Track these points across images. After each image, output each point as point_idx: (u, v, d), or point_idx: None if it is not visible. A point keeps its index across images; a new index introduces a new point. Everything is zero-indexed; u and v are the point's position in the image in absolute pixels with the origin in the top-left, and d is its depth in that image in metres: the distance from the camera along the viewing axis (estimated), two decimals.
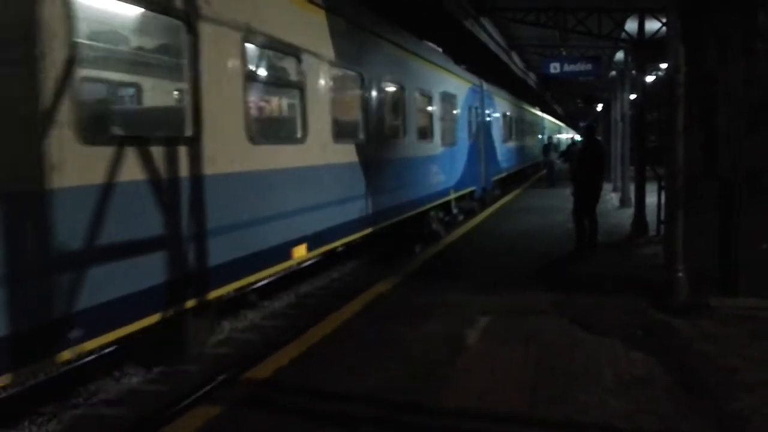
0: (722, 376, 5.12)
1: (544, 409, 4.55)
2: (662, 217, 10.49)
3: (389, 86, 10.93)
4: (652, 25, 13.38)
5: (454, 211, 15.83)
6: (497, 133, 22.24)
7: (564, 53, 22.55)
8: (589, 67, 19.51)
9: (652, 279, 8.16)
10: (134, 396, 6.47)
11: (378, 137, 10.30)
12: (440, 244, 12.24)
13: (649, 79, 17.02)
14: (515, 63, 25.85)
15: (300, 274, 11.12)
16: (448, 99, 14.77)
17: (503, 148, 23.73)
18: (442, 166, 13.91)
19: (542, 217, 15.63)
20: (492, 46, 20.31)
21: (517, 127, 28.42)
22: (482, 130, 19.04)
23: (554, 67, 19.85)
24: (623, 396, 4.74)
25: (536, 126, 39.18)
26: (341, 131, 8.74)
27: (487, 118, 20.05)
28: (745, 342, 5.93)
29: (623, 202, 17.18)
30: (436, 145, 13.51)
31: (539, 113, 41.69)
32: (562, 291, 8.00)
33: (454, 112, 15.64)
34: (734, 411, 4.51)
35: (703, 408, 4.55)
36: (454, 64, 16.51)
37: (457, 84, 16.09)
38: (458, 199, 16.02)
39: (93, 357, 6.89)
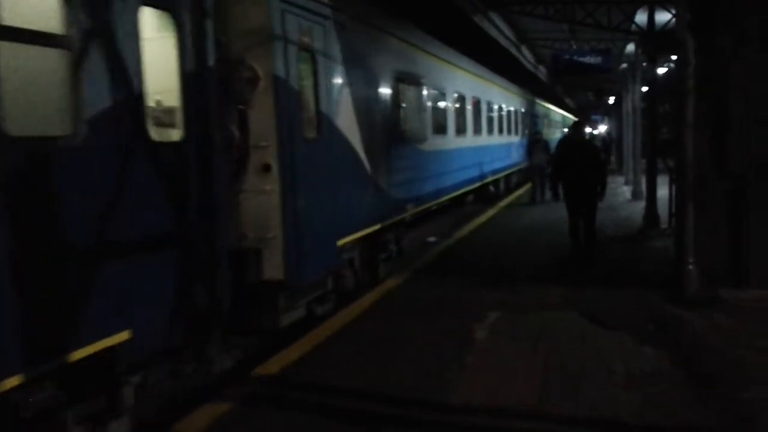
0: (734, 368, 5.09)
1: (554, 405, 4.53)
2: (673, 210, 10.42)
3: None
4: (663, 17, 13.26)
5: None
6: (370, 121, 8.51)
7: (574, 46, 22.41)
8: (599, 60, 19.39)
9: (662, 272, 8.10)
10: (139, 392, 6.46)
11: None
12: None
13: (661, 71, 16.88)
14: (525, 57, 25.70)
15: None
16: None
17: (407, 157, 10.28)
18: None
19: None
20: (501, 40, 20.20)
21: (461, 111, 14.82)
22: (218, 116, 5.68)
23: (566, 59, 19.80)
24: (634, 390, 4.71)
25: (514, 114, 23.06)
26: None
27: (307, 81, 6.75)
28: (756, 334, 5.88)
29: (635, 195, 17.09)
30: None
31: (526, 96, 26.73)
32: (572, 285, 7.97)
33: None
34: (746, 402, 4.47)
35: (714, 401, 4.52)
36: None
37: None
38: None
39: None
